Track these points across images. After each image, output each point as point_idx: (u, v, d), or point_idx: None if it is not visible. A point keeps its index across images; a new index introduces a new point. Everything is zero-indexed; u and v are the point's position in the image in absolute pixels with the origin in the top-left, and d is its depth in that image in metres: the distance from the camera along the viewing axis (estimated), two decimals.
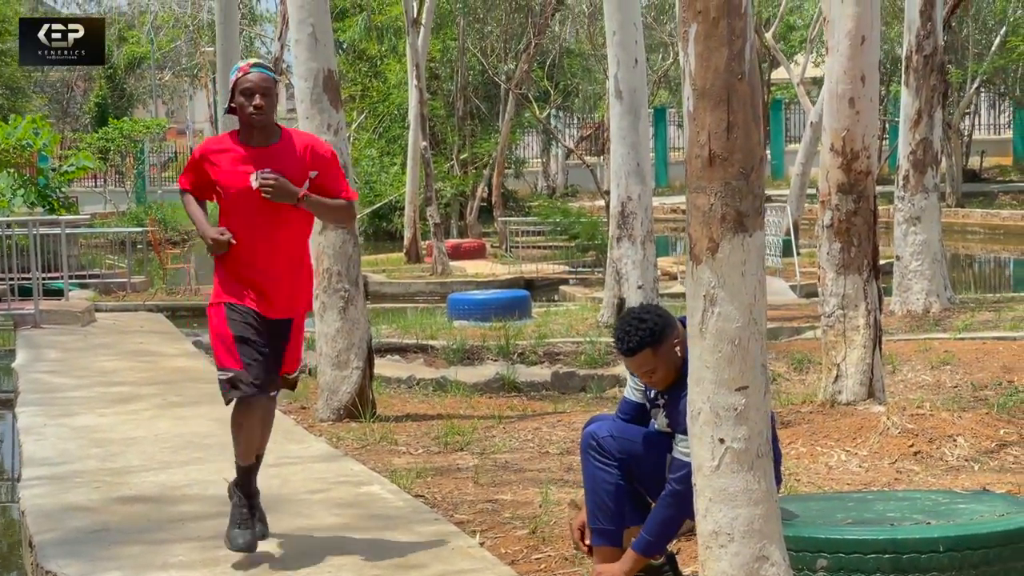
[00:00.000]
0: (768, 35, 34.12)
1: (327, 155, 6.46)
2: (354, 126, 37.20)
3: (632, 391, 5.66)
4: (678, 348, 5.32)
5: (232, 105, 6.34)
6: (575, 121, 53.34)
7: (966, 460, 8.21)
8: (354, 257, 10.47)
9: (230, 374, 6.14)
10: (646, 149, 15.43)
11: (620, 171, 15.04)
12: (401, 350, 14.86)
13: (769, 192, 39.56)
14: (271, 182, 6.15)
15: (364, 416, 10.23)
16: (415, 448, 9.29)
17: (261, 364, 6.20)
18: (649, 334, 5.27)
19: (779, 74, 41.28)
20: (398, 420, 10.44)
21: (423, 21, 29.75)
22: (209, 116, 55.14)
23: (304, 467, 8.46)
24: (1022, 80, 41.41)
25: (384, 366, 13.65)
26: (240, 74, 6.28)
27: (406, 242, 30.39)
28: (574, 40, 44.12)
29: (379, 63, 40.81)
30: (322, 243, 10.29)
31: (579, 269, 28.30)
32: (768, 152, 47.47)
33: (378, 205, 36.38)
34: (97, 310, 19.03)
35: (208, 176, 6.37)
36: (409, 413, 10.95)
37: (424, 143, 28.65)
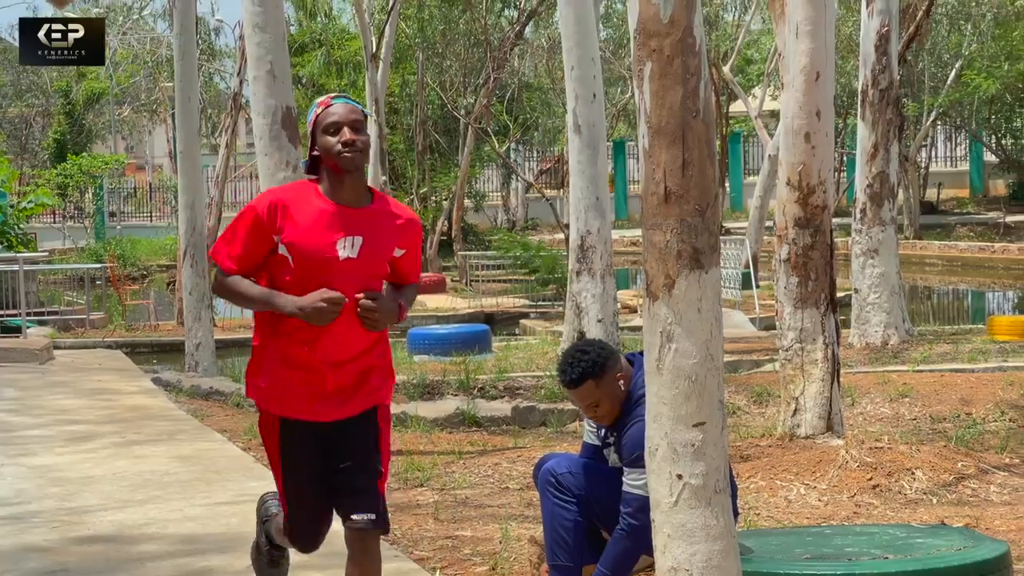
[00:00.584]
0: (726, 68, 34.37)
1: (418, 234, 5.22)
2: None
3: (588, 434, 5.71)
4: (621, 382, 5.38)
5: (314, 153, 5.00)
6: (535, 155, 53.49)
7: (924, 493, 8.25)
8: None
9: (272, 510, 5.32)
10: (605, 183, 15.46)
11: (579, 205, 15.07)
12: None
13: (728, 225, 39.79)
14: (375, 315, 4.91)
15: None
16: None
17: (315, 513, 5.14)
18: (591, 366, 5.35)
19: (737, 107, 41.52)
20: None
21: (382, 56, 29.82)
22: (168, 151, 55.04)
23: None
24: (978, 113, 41.77)
25: None
26: (320, 109, 5.01)
27: None
28: (533, 75, 44.29)
29: None
30: None
31: (539, 303, 28.36)
32: (727, 185, 47.73)
33: None
34: (56, 347, 18.94)
35: (271, 238, 4.94)
36: None
37: (383, 177, 28.67)
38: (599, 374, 5.36)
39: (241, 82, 23.32)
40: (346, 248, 4.90)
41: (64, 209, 45.60)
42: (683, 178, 4.54)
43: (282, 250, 4.90)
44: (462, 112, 36.90)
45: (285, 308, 4.86)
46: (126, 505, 8.52)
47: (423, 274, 32.17)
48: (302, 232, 4.88)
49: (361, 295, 4.88)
